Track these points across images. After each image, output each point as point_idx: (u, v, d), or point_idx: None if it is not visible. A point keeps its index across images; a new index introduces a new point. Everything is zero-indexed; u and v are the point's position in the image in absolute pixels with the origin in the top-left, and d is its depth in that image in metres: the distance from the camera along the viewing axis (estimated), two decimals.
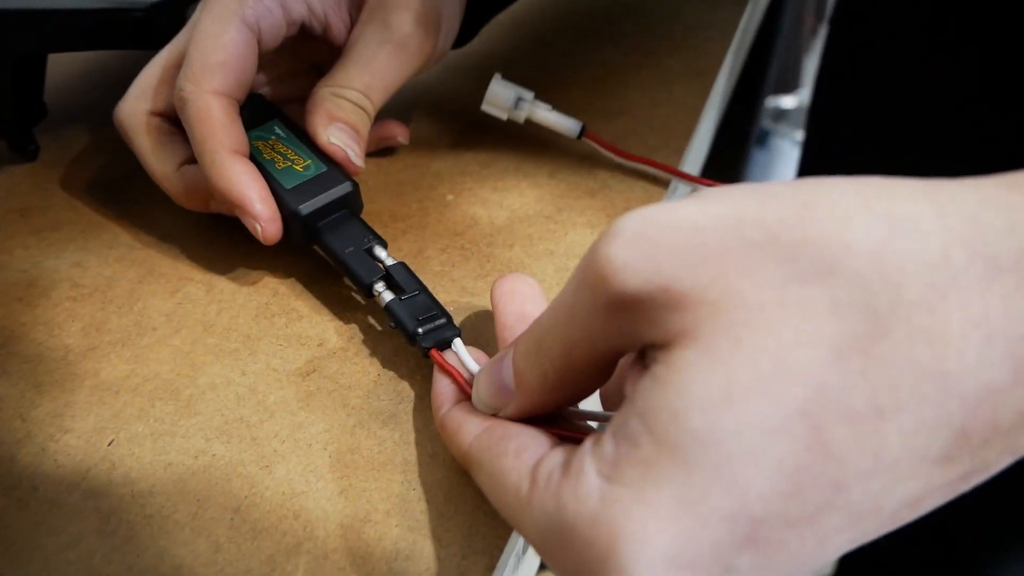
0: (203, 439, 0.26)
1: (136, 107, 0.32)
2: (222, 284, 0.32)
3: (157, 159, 0.32)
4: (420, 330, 0.27)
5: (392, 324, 0.28)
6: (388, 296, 0.28)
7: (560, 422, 0.23)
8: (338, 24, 0.33)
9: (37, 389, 0.28)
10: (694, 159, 0.45)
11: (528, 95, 0.37)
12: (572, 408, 0.23)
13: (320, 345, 0.30)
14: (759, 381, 0.16)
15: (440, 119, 0.41)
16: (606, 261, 0.17)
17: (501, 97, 0.37)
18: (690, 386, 0.16)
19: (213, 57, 0.29)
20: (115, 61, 0.45)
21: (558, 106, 0.37)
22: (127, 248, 0.34)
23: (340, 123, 0.31)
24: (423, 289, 0.28)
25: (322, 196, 0.30)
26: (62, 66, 0.44)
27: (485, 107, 0.37)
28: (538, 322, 0.21)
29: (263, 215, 0.29)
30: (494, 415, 0.23)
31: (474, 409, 0.24)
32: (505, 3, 0.39)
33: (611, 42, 0.47)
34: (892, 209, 0.16)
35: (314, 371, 0.29)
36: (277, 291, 0.32)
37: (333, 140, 0.31)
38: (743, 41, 0.57)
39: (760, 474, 0.16)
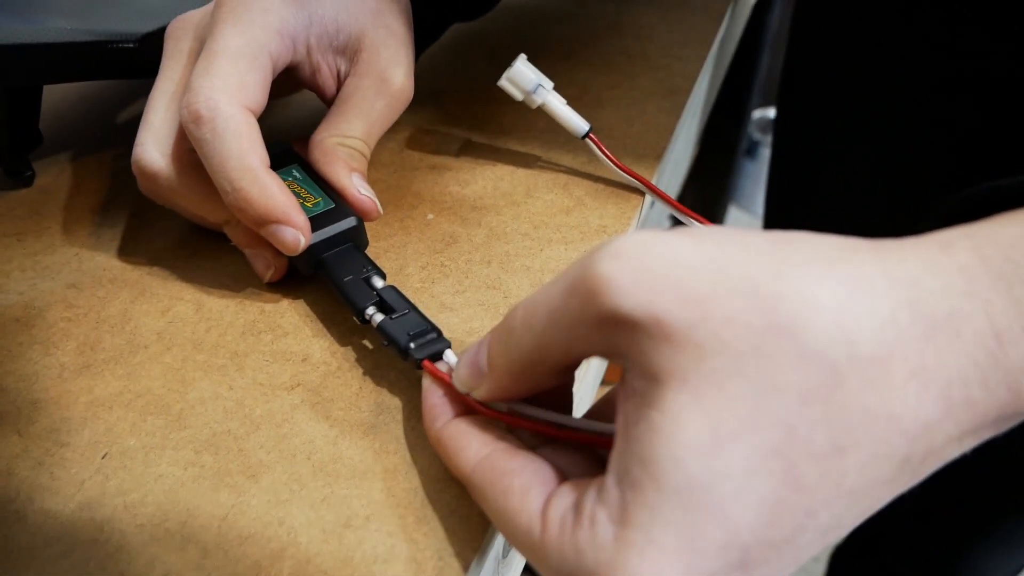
0: (192, 451, 0.28)
1: (162, 152, 0.32)
2: (211, 303, 0.33)
3: (208, 197, 0.32)
4: (412, 344, 0.28)
5: (385, 342, 0.29)
6: (379, 317, 0.30)
7: (525, 416, 0.25)
8: (325, 71, 0.35)
9: (34, 405, 0.29)
10: (668, 177, 0.47)
11: (548, 84, 0.37)
12: (560, 417, 0.25)
13: (304, 360, 0.31)
14: (740, 426, 0.18)
15: (419, 142, 0.42)
16: (605, 279, 0.19)
17: (522, 77, 0.36)
18: (683, 433, 0.18)
19: (249, 76, 0.30)
20: (107, 90, 0.47)
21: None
22: (119, 270, 0.35)
23: (357, 173, 0.33)
24: (412, 308, 0.30)
25: (328, 229, 0.32)
26: (56, 94, 0.46)
27: (503, 83, 0.37)
28: (513, 313, 0.23)
29: (305, 224, 0.31)
30: (500, 421, 0.25)
31: (471, 426, 0.25)
32: (427, 43, 0.41)
33: (586, 62, 0.49)
34: (851, 273, 0.19)
35: (298, 385, 0.30)
36: (263, 309, 0.33)
37: (363, 192, 0.33)
38: (720, 58, 0.59)
39: (746, 509, 0.18)
